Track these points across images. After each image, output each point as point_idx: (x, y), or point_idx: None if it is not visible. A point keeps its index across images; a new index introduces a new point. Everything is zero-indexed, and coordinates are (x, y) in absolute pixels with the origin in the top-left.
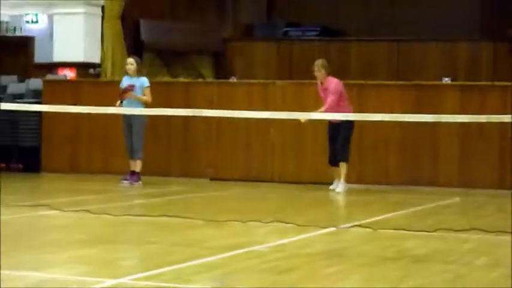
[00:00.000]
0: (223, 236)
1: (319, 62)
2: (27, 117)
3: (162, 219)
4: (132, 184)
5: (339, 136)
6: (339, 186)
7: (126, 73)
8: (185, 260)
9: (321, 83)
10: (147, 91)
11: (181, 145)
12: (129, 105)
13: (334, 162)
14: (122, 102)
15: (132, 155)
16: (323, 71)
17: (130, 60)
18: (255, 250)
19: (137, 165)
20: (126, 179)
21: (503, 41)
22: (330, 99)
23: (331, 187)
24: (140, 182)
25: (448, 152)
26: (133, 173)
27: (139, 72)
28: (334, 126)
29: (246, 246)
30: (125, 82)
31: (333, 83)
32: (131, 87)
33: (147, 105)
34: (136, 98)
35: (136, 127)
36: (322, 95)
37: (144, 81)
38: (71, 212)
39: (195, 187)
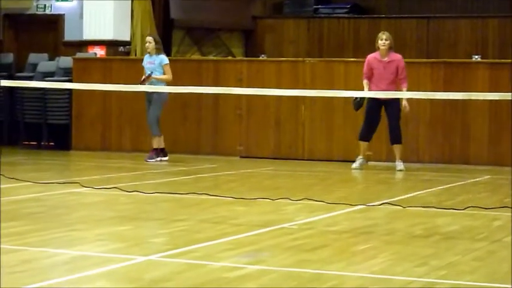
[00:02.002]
0: (253, 213)
1: (387, 33)
2: (58, 95)
3: (191, 197)
4: (147, 161)
5: (393, 116)
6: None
7: (147, 51)
8: (214, 238)
9: (382, 55)
10: (167, 68)
11: (211, 123)
12: (150, 84)
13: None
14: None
15: (150, 130)
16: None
17: (149, 38)
18: (284, 228)
19: (154, 142)
20: (151, 157)
21: None
22: (405, 74)
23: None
24: (158, 159)
25: (478, 129)
26: (154, 150)
27: (158, 50)
28: (383, 103)
29: (275, 223)
30: (146, 60)
31: (401, 58)
32: (149, 77)
33: (168, 83)
34: (156, 79)
35: (154, 103)
36: (379, 69)
37: (163, 58)
38: (101, 190)
39: (225, 165)
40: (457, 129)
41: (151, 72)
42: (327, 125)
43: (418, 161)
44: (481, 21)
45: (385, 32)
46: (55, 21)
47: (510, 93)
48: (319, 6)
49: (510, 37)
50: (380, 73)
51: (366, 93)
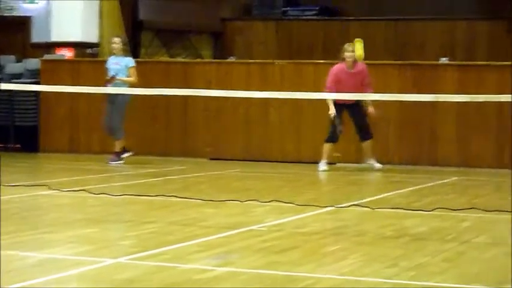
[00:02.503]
0: (222, 215)
1: (353, 45)
2: (25, 97)
3: (160, 199)
4: (110, 164)
5: (359, 115)
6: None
7: (112, 53)
8: (184, 240)
9: (348, 66)
10: (133, 71)
11: (180, 125)
12: (114, 85)
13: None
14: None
15: (111, 134)
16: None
17: (115, 39)
18: (254, 229)
19: (116, 145)
20: (114, 160)
21: (501, 19)
22: (370, 80)
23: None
24: (121, 162)
25: (446, 131)
26: (114, 153)
27: (124, 52)
28: (346, 107)
29: (245, 225)
30: (111, 62)
31: (365, 66)
32: (113, 78)
33: (133, 86)
34: (122, 81)
35: (118, 105)
36: (346, 80)
37: (129, 61)
38: (69, 192)
39: (194, 167)
40: (426, 131)
41: (116, 74)
42: (296, 127)
43: (388, 163)
44: (449, 24)
45: (351, 44)
46: (23, 23)
47: (478, 95)
48: (288, 8)
49: (478, 39)
50: (347, 84)
51: (337, 96)
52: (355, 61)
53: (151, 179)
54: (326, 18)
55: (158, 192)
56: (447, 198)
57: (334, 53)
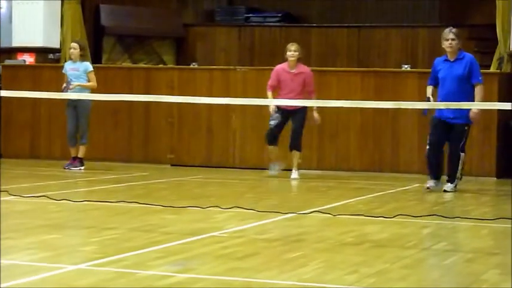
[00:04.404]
0: (183, 221)
1: (296, 45)
2: None
3: (121, 205)
4: (70, 169)
5: (298, 123)
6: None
7: (70, 58)
8: (144, 246)
9: (290, 66)
10: (91, 76)
11: (142, 131)
12: (75, 91)
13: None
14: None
15: (75, 140)
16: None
17: (74, 44)
18: (215, 236)
19: (81, 151)
20: (70, 165)
21: (462, 27)
22: (313, 87)
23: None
24: (82, 168)
25: (408, 138)
26: (75, 158)
27: (82, 57)
28: (289, 112)
29: (206, 232)
30: (68, 67)
31: (309, 70)
32: (69, 84)
33: (92, 90)
34: (81, 86)
35: (81, 111)
36: (286, 80)
37: (88, 66)
38: (30, 198)
39: (156, 173)
40: (387, 137)
41: (70, 80)
42: (258, 134)
43: (349, 170)
44: (411, 31)
45: (294, 44)
46: None
47: (439, 103)
48: (251, 14)
49: (439, 46)
50: (287, 84)
51: (296, 102)
52: (297, 61)
53: (113, 185)
54: (288, 25)
55: (119, 198)
56: (408, 205)
57: None
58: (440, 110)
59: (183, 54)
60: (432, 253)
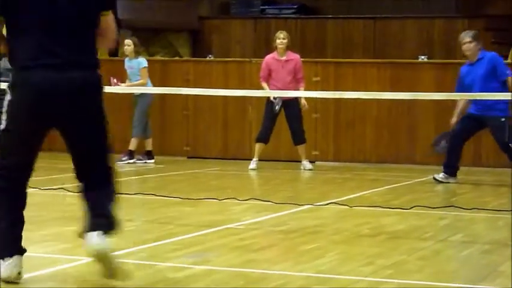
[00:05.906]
0: (199, 213)
1: (285, 32)
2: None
3: (138, 197)
4: (122, 161)
5: (295, 118)
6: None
7: (126, 55)
8: (161, 238)
9: (279, 53)
10: (142, 72)
11: (158, 123)
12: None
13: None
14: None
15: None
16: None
17: (127, 41)
18: (231, 228)
19: (131, 143)
20: (139, 159)
21: (479, 18)
22: (302, 74)
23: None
24: (130, 160)
25: (424, 129)
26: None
27: (137, 53)
28: (284, 102)
29: (222, 224)
30: (126, 65)
31: (299, 58)
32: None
33: (144, 85)
34: (130, 85)
35: (138, 106)
36: (277, 68)
37: (141, 62)
38: (47, 190)
39: (172, 165)
40: (404, 129)
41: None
42: (275, 125)
43: (365, 161)
44: (427, 22)
45: (283, 31)
46: None
47: (456, 93)
48: (266, 6)
49: (456, 37)
50: (278, 72)
51: (313, 94)
52: (287, 49)
53: (129, 178)
54: (304, 16)
55: (136, 190)
56: (425, 197)
57: (311, 51)
58: (473, 105)
59: (199, 47)
60: (449, 245)
